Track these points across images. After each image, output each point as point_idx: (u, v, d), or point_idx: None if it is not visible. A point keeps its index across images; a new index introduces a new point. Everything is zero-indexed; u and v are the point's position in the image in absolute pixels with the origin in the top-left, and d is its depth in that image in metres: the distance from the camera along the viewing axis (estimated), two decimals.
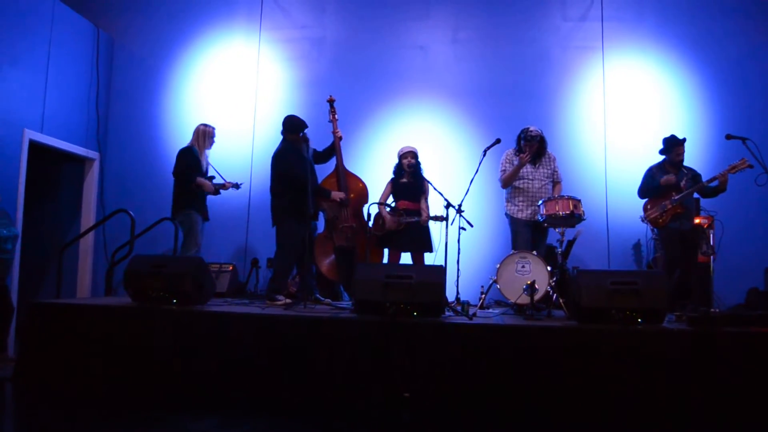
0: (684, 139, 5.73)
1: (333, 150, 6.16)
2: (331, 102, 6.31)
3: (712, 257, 6.18)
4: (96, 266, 7.68)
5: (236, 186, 6.44)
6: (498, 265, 5.37)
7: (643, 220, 5.90)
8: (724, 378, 4.03)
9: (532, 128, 5.93)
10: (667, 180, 5.62)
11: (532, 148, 5.89)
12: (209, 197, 6.36)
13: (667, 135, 5.84)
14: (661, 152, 5.84)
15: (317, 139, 6.15)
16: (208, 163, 6.34)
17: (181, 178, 6.08)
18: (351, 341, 4.37)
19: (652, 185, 5.75)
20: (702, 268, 6.23)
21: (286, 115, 5.98)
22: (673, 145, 5.73)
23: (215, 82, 7.86)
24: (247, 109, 7.74)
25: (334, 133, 6.18)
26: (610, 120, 7.21)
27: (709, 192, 5.67)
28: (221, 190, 6.42)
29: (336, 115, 6.25)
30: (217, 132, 6.43)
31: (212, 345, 4.50)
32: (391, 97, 7.55)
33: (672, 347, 4.12)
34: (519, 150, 5.97)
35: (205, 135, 6.28)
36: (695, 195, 5.78)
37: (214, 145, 6.45)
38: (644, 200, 5.86)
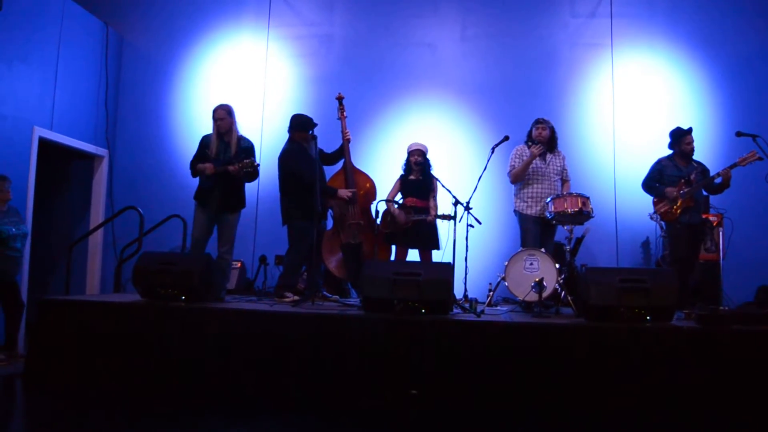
0: (690, 129, 5.68)
1: (342, 153, 6.14)
2: (340, 99, 6.28)
3: (721, 255, 6.17)
4: (105, 263, 7.71)
5: (252, 165, 5.51)
6: (506, 263, 5.37)
7: (651, 218, 5.87)
8: (733, 376, 4.01)
9: (544, 117, 6.05)
10: (669, 193, 5.56)
11: (543, 132, 5.93)
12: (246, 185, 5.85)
13: (673, 129, 5.79)
14: (670, 146, 5.79)
15: (326, 136, 6.13)
16: (237, 145, 5.72)
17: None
18: (358, 338, 4.37)
19: (656, 183, 5.70)
20: (711, 266, 6.21)
21: (294, 112, 5.99)
22: (680, 136, 5.66)
23: (223, 79, 7.87)
24: (256, 106, 7.75)
25: (343, 134, 6.15)
26: (619, 117, 7.18)
27: (714, 188, 5.63)
28: (243, 170, 5.53)
29: (345, 113, 6.24)
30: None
31: (220, 342, 4.51)
32: (399, 95, 7.55)
33: (681, 345, 4.11)
34: (530, 140, 5.97)
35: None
36: (703, 192, 5.75)
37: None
38: (650, 194, 5.82)
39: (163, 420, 3.96)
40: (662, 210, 5.62)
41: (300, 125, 5.78)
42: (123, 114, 8.05)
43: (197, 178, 5.76)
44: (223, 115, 5.70)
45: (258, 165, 5.64)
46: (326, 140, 6.13)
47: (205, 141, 5.79)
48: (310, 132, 5.72)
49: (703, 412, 4.00)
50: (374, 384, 4.25)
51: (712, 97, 7.04)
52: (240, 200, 5.82)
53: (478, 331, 4.32)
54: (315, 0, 7.90)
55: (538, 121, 6.01)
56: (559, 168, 6.02)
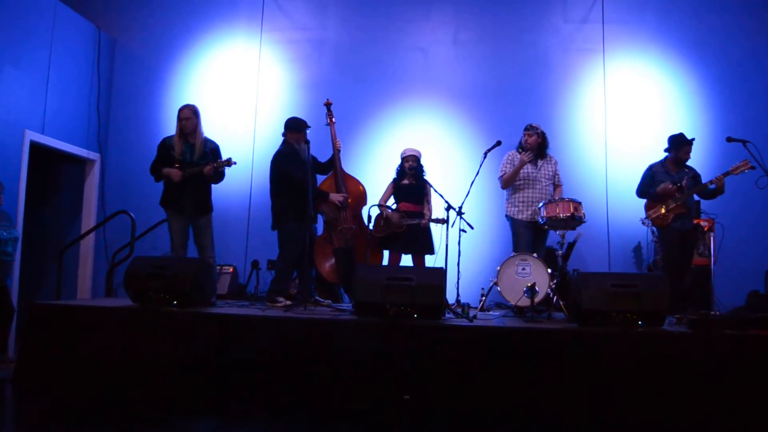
0: (693, 139, 5.70)
1: (333, 163, 6.15)
2: (328, 105, 6.29)
3: (712, 260, 6.20)
4: (96, 268, 7.67)
5: (228, 163, 5.58)
6: (498, 268, 5.37)
7: (643, 223, 5.90)
8: (724, 381, 4.03)
9: (534, 123, 6.06)
10: (664, 189, 5.58)
11: (530, 139, 5.95)
12: (213, 187, 5.82)
13: (675, 133, 5.79)
14: (667, 150, 5.81)
15: (317, 141, 6.14)
16: (203, 146, 5.66)
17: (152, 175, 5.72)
18: (351, 343, 4.36)
19: (650, 188, 5.73)
20: (702, 270, 6.24)
21: (287, 116, 5.99)
22: (682, 144, 5.69)
23: (216, 83, 7.86)
24: (248, 111, 7.74)
25: (333, 144, 6.17)
26: (611, 122, 7.21)
27: (708, 194, 5.68)
28: (217, 169, 5.60)
29: (333, 119, 6.24)
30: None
31: (212, 346, 4.50)
32: (391, 99, 7.55)
33: (672, 350, 4.12)
34: (520, 147, 6.00)
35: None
36: (695, 197, 5.78)
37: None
38: (643, 201, 5.84)
39: (154, 424, 3.94)
40: (654, 215, 5.65)
41: (294, 127, 5.80)
42: (115, 118, 8.02)
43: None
44: (189, 115, 5.64)
45: (235, 163, 5.64)
46: (319, 145, 6.14)
47: (167, 143, 5.70)
48: (304, 132, 5.74)
49: (694, 416, 4.01)
50: (367, 388, 4.24)
51: (704, 101, 7.08)
52: (210, 203, 5.81)
53: (471, 335, 4.32)
54: (308, 4, 7.91)
55: (527, 128, 6.04)
56: (550, 173, 6.04)
